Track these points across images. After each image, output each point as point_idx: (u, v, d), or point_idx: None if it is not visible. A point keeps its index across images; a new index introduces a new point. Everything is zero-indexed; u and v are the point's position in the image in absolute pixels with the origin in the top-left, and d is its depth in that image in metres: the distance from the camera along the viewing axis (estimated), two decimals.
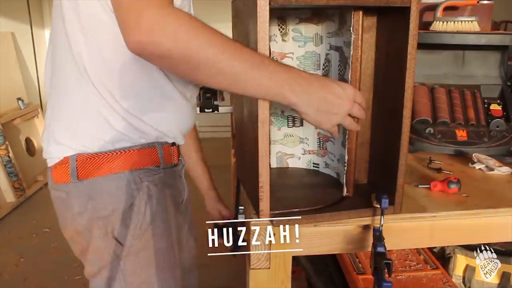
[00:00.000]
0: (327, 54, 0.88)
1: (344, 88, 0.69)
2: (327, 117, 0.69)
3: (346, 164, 0.82)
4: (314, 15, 0.87)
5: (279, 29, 0.89)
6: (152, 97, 0.78)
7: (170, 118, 0.81)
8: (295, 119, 0.96)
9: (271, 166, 0.73)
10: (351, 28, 0.78)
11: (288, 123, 0.96)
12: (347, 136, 0.82)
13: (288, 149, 0.98)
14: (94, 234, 0.77)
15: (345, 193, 0.83)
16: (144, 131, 0.78)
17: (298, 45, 0.89)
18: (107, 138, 0.76)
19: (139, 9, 0.58)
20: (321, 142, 0.95)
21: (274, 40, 0.89)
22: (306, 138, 0.96)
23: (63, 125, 0.77)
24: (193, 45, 0.59)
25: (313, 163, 0.98)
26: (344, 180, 0.83)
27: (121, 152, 0.76)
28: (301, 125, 0.96)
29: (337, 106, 0.68)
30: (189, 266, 0.99)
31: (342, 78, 0.84)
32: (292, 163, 0.99)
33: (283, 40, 0.89)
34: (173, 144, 0.85)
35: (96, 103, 0.74)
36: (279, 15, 0.88)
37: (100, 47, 0.72)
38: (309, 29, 0.89)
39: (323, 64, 0.89)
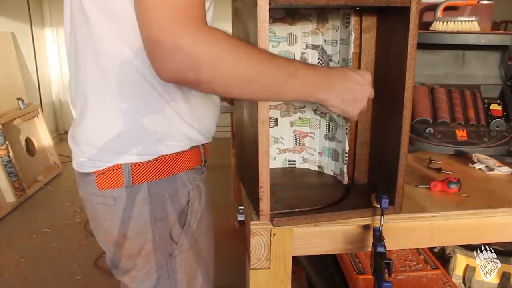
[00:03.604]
0: (302, 53, 0.91)
1: (363, 75, 0.74)
2: (353, 105, 0.73)
3: (347, 154, 0.85)
4: (288, 15, 0.89)
5: None
6: (202, 103, 0.77)
7: (211, 120, 0.82)
8: (269, 120, 0.97)
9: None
10: (351, 28, 0.79)
11: None
12: (346, 129, 0.82)
13: None
14: (149, 237, 0.76)
15: (346, 181, 0.87)
16: (191, 136, 0.77)
17: (272, 45, 0.90)
18: (158, 146, 0.74)
19: (171, 40, 0.56)
20: (298, 139, 0.97)
21: None
22: (281, 137, 0.97)
23: (114, 133, 0.72)
24: (237, 70, 0.60)
25: (289, 161, 0.99)
26: (345, 170, 0.86)
27: (174, 155, 0.75)
28: (276, 125, 0.97)
29: (360, 93, 0.73)
30: None
31: None
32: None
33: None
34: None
35: (147, 112, 0.71)
36: None
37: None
38: (283, 29, 0.90)
39: None
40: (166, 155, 0.75)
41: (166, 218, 0.76)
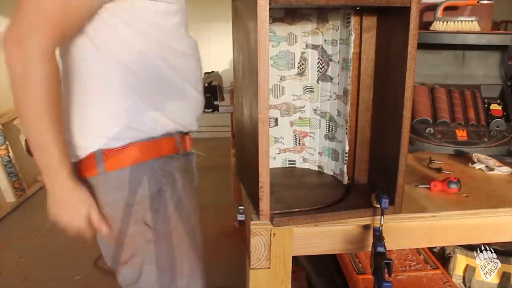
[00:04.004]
0: (302, 53, 0.91)
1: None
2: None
3: (347, 154, 0.85)
4: (288, 15, 0.89)
5: None
6: (165, 90, 0.81)
7: (187, 110, 0.85)
8: (269, 120, 0.99)
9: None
10: (351, 28, 0.79)
11: None
12: (346, 129, 0.82)
13: None
14: (125, 221, 0.81)
15: (346, 181, 0.87)
16: (163, 123, 0.81)
17: (272, 45, 0.91)
18: (129, 133, 0.79)
19: (18, 33, 0.72)
20: (298, 139, 0.98)
21: None
22: (281, 137, 0.98)
23: (85, 123, 0.79)
24: (18, 88, 0.69)
25: (289, 161, 1.00)
26: (345, 170, 0.87)
27: (145, 143, 0.79)
28: (276, 125, 0.97)
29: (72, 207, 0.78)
30: None
31: (324, 75, 0.88)
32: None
33: None
34: (187, 133, 0.89)
35: (116, 100, 0.77)
36: None
37: (112, 52, 0.76)
38: (283, 29, 0.90)
39: (299, 63, 0.92)
40: (136, 142, 0.79)
41: (138, 203, 0.80)
